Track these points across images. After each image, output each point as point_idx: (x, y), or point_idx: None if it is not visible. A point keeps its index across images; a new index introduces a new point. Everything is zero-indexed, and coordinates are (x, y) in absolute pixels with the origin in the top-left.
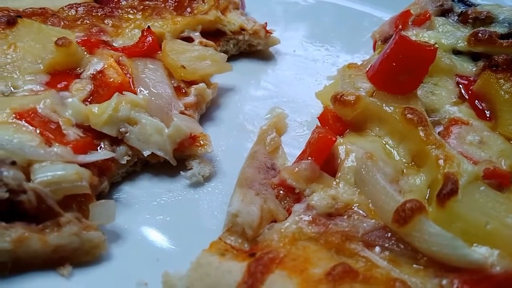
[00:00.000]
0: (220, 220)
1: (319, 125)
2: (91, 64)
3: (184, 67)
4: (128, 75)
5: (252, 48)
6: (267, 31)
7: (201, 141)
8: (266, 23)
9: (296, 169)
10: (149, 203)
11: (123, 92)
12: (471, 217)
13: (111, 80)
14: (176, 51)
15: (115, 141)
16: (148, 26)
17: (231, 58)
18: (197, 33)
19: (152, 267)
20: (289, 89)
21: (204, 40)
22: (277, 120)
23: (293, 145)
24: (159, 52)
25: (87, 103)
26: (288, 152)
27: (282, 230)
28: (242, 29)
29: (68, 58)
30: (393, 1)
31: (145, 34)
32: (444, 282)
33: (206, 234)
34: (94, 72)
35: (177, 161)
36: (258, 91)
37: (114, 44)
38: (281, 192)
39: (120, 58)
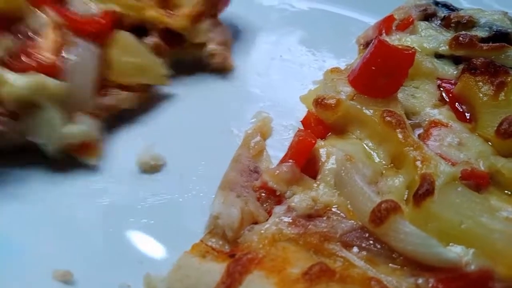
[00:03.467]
0: (204, 223)
1: (301, 129)
2: (29, 19)
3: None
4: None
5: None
6: (225, 58)
7: (90, 150)
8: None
9: (277, 171)
10: (133, 206)
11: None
12: (447, 217)
13: (41, 57)
14: (124, 47)
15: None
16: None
17: None
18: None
19: (135, 270)
20: (275, 94)
21: (160, 42)
22: (262, 124)
23: (278, 149)
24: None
25: None
26: (273, 155)
27: (262, 231)
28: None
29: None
30: (380, 7)
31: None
32: (420, 281)
33: (189, 237)
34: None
35: None
36: (244, 95)
37: (69, 6)
38: (262, 194)
39: (64, 31)
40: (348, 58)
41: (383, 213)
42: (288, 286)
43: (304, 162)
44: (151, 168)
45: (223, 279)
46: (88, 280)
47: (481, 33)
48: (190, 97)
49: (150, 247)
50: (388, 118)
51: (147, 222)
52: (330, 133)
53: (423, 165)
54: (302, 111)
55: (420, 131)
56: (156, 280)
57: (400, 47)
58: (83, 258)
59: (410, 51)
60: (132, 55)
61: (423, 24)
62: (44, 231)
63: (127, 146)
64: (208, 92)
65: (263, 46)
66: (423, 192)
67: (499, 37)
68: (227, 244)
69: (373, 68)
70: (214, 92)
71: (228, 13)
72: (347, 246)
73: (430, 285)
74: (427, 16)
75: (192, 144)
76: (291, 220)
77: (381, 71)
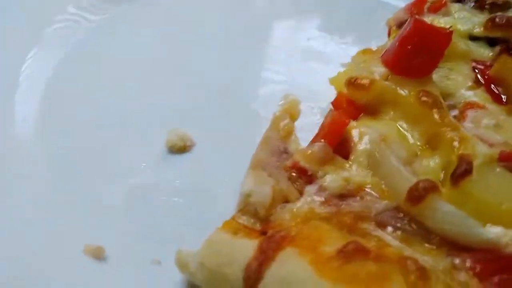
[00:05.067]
0: (233, 202)
1: (333, 109)
2: None
3: None
4: None
5: None
6: None
7: None
8: None
9: (309, 151)
10: (163, 186)
11: None
12: (485, 197)
13: None
14: None
15: None
16: None
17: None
18: None
19: (166, 247)
20: (302, 77)
21: None
22: (290, 106)
23: (306, 131)
24: None
25: None
26: (301, 137)
27: (294, 210)
28: None
29: None
30: None
31: None
32: (457, 261)
33: (219, 216)
34: None
35: None
36: (271, 78)
37: None
38: (293, 174)
39: None
40: (376, 41)
41: (421, 192)
42: (323, 264)
43: (337, 142)
44: (179, 148)
45: (256, 255)
46: (120, 256)
47: None
48: (216, 81)
49: (181, 225)
50: (424, 98)
51: (177, 200)
52: (362, 114)
53: (461, 146)
54: (329, 94)
55: (455, 112)
56: (188, 255)
57: (436, 26)
58: (114, 235)
59: (447, 30)
60: None
61: (456, 5)
62: (76, 208)
63: (155, 127)
64: (235, 74)
65: (290, 30)
66: (461, 172)
67: None
68: (258, 222)
69: (409, 47)
70: (241, 74)
71: None
72: (381, 225)
73: (467, 265)
74: None
75: (220, 126)
76: (323, 199)
77: (417, 51)
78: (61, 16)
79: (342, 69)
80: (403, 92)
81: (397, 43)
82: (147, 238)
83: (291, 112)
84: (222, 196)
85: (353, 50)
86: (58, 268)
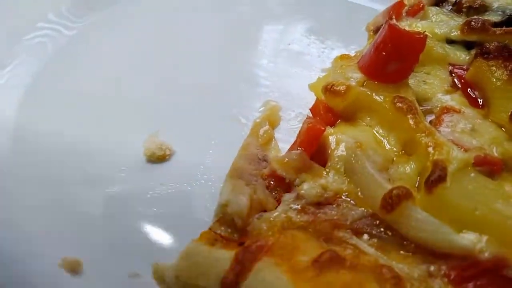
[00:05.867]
0: (212, 212)
1: (310, 116)
2: None
3: None
4: None
5: None
6: None
7: None
8: None
9: (286, 159)
10: (142, 196)
11: None
12: (460, 204)
13: None
14: None
15: None
16: None
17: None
18: None
19: (144, 259)
20: (283, 83)
21: None
22: (270, 113)
23: (287, 138)
24: None
25: None
26: (281, 144)
27: (271, 219)
28: None
29: None
30: None
31: None
32: (432, 268)
33: (198, 226)
34: None
35: None
36: (252, 84)
37: None
38: (271, 182)
39: None
40: (357, 46)
41: (395, 200)
42: (298, 274)
43: (314, 149)
44: (158, 157)
45: (232, 266)
46: (97, 268)
47: (494, 17)
48: (196, 87)
49: (159, 236)
50: (399, 104)
51: (156, 211)
52: (339, 121)
53: (435, 151)
54: (310, 99)
55: (432, 117)
56: (164, 268)
57: (410, 31)
58: (92, 247)
59: (421, 35)
60: None
61: (434, 9)
62: (52, 220)
63: (133, 135)
64: (215, 80)
65: (271, 35)
66: (435, 178)
67: None
68: (235, 232)
69: (384, 53)
70: (221, 80)
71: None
72: (358, 233)
73: (442, 272)
74: (438, 1)
75: (200, 133)
76: (300, 208)
77: (392, 56)
78: (41, 24)
79: (322, 75)
80: (378, 98)
81: (372, 49)
82: (125, 251)
83: (271, 119)
84: (201, 206)
85: (334, 55)
86: (34, 282)
